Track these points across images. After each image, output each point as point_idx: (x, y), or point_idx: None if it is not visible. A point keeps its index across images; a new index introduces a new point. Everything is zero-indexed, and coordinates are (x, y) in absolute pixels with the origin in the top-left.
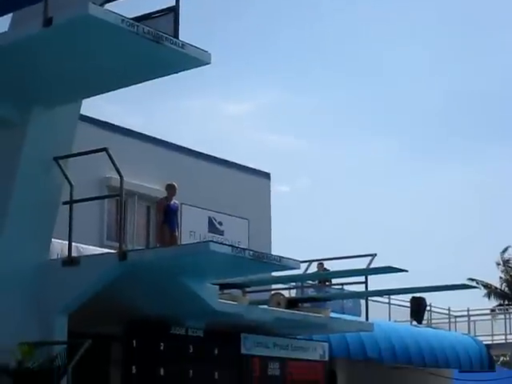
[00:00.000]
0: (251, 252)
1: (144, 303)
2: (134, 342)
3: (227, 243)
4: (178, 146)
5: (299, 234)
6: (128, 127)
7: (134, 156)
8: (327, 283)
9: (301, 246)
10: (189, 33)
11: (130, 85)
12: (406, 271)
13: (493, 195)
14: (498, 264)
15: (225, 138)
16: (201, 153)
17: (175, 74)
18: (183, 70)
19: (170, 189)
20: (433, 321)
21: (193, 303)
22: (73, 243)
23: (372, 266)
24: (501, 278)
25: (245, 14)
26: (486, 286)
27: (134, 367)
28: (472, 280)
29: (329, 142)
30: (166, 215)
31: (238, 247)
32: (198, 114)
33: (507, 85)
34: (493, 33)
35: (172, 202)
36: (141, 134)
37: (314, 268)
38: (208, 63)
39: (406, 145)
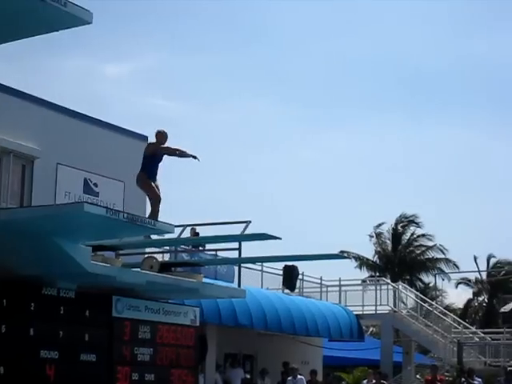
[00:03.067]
0: (125, 214)
1: (15, 263)
2: (4, 301)
3: (102, 205)
4: (54, 104)
5: (177, 198)
6: (2, 83)
7: (8, 113)
8: (201, 248)
9: (178, 210)
10: None
11: (10, 41)
12: (280, 239)
13: (375, 166)
14: (371, 236)
15: (103, 99)
16: (77, 112)
17: (56, 32)
18: (65, 29)
19: (161, 136)
20: (305, 290)
21: (65, 264)
22: None
23: (246, 232)
24: (374, 250)
25: None
26: (358, 257)
27: (3, 326)
28: (344, 252)
29: (211, 106)
30: (148, 161)
31: (112, 209)
32: (76, 74)
33: (385, 53)
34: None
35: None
36: (16, 90)
37: (188, 233)
38: (90, 23)
39: (290, 111)
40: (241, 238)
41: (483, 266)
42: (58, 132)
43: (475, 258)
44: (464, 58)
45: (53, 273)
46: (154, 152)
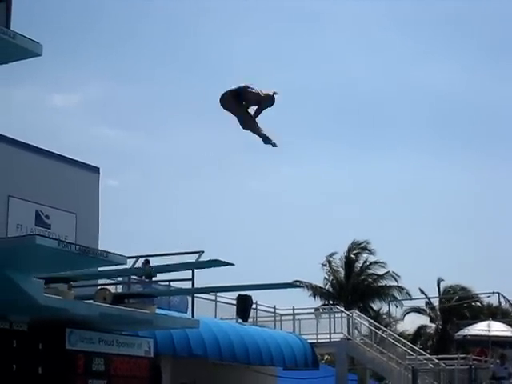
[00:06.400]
0: (77, 246)
1: None
2: None
3: (54, 237)
4: (5, 136)
5: (128, 229)
6: None
7: None
8: (154, 279)
9: (129, 241)
10: (20, 23)
11: None
12: (233, 265)
13: (325, 194)
14: (324, 265)
15: (51, 130)
16: (28, 144)
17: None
18: (14, 61)
19: None
20: (258, 319)
21: (17, 297)
22: None
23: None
24: (325, 278)
25: (69, 4)
26: (311, 286)
27: None
28: (297, 281)
29: (157, 136)
30: None
31: (64, 241)
32: (23, 105)
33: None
34: None
35: None
36: None
37: (140, 264)
38: (39, 55)
39: (238, 140)
40: (194, 266)
41: (434, 291)
42: (8, 164)
43: (421, 290)
44: (408, 84)
45: (5, 306)
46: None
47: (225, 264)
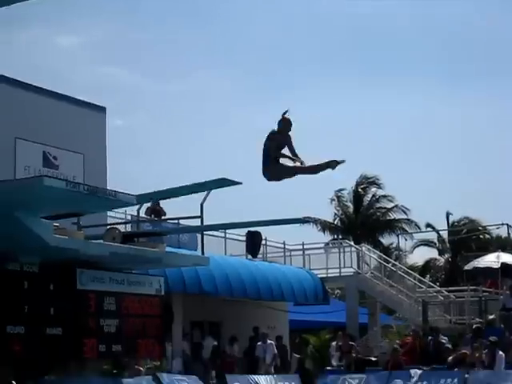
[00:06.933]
0: (86, 187)
1: None
2: None
3: (62, 178)
4: (10, 78)
5: (135, 170)
6: None
7: None
8: (163, 218)
9: (137, 183)
10: None
11: None
12: (240, 183)
13: (333, 130)
14: (332, 200)
15: (57, 71)
16: (34, 86)
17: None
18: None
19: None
20: (268, 255)
21: (27, 238)
22: None
23: (208, 200)
24: (335, 213)
25: None
26: (320, 221)
27: None
28: (307, 217)
29: (167, 78)
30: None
31: (72, 182)
32: (28, 46)
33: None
34: None
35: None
36: None
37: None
38: None
39: (247, 81)
40: (202, 188)
41: (443, 225)
42: (15, 106)
43: (429, 225)
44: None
45: (15, 248)
46: (280, 141)
47: (233, 183)
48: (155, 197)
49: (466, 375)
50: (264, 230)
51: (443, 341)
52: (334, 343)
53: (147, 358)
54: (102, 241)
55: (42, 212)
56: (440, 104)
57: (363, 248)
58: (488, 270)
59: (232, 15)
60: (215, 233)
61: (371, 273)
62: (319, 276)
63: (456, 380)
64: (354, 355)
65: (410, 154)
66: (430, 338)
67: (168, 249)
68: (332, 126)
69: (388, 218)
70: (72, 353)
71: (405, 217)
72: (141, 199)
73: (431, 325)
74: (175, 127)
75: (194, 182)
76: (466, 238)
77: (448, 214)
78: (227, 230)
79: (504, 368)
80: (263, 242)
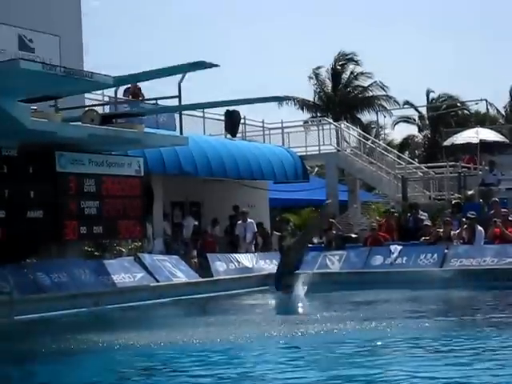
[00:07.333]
0: (62, 69)
1: None
2: None
3: (38, 61)
4: None
5: (113, 52)
6: None
7: None
8: (140, 99)
9: (114, 65)
10: None
11: None
12: (218, 66)
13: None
14: (311, 78)
15: None
16: None
17: None
18: None
19: None
20: (247, 134)
21: (4, 122)
22: None
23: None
24: (314, 91)
25: None
26: (298, 100)
27: None
28: (285, 96)
29: None
30: None
31: (49, 64)
32: None
33: None
34: None
35: None
36: None
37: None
38: None
39: None
40: (180, 69)
41: (423, 103)
42: None
43: (408, 102)
44: None
45: None
46: None
47: (210, 65)
48: (133, 79)
49: (446, 250)
50: (242, 109)
51: (423, 217)
52: None
53: (128, 239)
54: (79, 123)
55: (18, 95)
56: None
57: (342, 125)
58: (467, 146)
59: None
60: (194, 113)
61: (351, 150)
62: (298, 154)
63: (436, 255)
64: (334, 232)
65: (388, 29)
66: (409, 214)
67: (146, 129)
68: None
69: (367, 95)
70: (53, 235)
71: (384, 93)
72: (118, 81)
73: (411, 201)
74: (154, 7)
75: (173, 61)
76: (445, 115)
77: (429, 92)
78: (206, 110)
79: (483, 243)
80: (242, 121)
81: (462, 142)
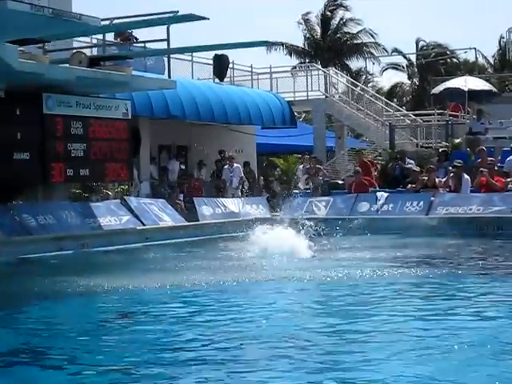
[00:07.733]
0: (51, 10)
1: None
2: None
3: (26, 2)
4: None
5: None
6: None
7: None
8: (129, 42)
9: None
10: None
11: None
12: (207, 19)
13: None
14: (300, 23)
15: None
16: None
17: None
18: None
19: None
20: (236, 79)
21: None
22: None
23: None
24: (304, 36)
25: None
26: (287, 45)
27: None
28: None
29: None
30: None
31: (37, 5)
32: None
33: None
34: None
35: None
36: None
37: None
38: None
39: None
40: (170, 21)
41: (411, 49)
42: None
43: (396, 49)
44: None
45: None
46: None
47: (199, 18)
48: (122, 28)
49: (432, 198)
50: (231, 54)
51: (409, 165)
52: (301, 166)
53: (115, 182)
54: (67, 65)
55: (6, 37)
56: None
57: (331, 71)
58: (455, 92)
59: None
60: (182, 56)
61: (339, 96)
62: (286, 99)
63: (422, 202)
64: (320, 178)
65: None
66: (396, 162)
67: (134, 73)
68: None
69: (356, 41)
70: (40, 177)
71: (373, 41)
72: (107, 29)
73: (398, 148)
74: None
75: (162, 8)
76: (434, 62)
77: (418, 40)
78: (194, 54)
79: (469, 192)
80: (230, 65)
81: (450, 87)
